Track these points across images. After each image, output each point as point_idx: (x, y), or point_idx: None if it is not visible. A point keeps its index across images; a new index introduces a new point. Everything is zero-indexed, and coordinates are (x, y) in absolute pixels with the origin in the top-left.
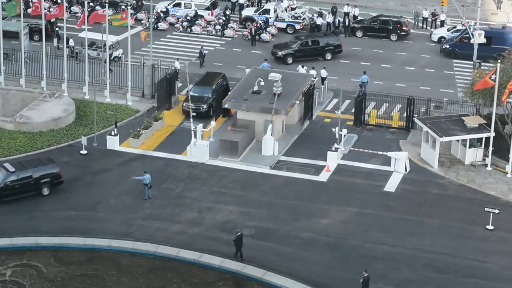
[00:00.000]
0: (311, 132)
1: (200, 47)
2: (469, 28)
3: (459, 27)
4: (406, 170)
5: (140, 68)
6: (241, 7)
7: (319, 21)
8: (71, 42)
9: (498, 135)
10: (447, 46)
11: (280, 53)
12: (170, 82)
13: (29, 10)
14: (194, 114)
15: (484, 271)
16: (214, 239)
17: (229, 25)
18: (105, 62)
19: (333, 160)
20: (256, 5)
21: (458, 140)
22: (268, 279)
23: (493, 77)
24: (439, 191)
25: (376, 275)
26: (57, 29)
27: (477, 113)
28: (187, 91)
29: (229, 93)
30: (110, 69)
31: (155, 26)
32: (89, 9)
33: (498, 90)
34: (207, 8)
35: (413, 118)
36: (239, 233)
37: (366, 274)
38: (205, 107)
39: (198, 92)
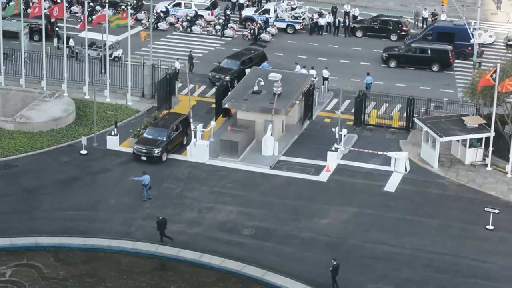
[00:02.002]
0: (311, 132)
1: (189, 50)
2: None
3: None
4: (406, 170)
5: (140, 68)
6: (241, 7)
7: (322, 21)
8: (71, 42)
9: (498, 135)
10: (410, 42)
11: (227, 78)
12: (170, 82)
13: (29, 10)
14: (145, 158)
15: (484, 271)
16: (214, 239)
17: (229, 25)
18: (104, 61)
19: (333, 160)
20: (256, 5)
21: (458, 140)
22: (268, 279)
23: (493, 76)
24: (439, 191)
25: (376, 275)
26: (57, 29)
27: (477, 113)
28: (188, 90)
29: (229, 93)
30: (101, 72)
31: (155, 26)
32: (89, 9)
33: (498, 89)
34: (207, 8)
35: (413, 118)
36: (161, 218)
37: (336, 262)
38: (157, 152)
39: (152, 134)
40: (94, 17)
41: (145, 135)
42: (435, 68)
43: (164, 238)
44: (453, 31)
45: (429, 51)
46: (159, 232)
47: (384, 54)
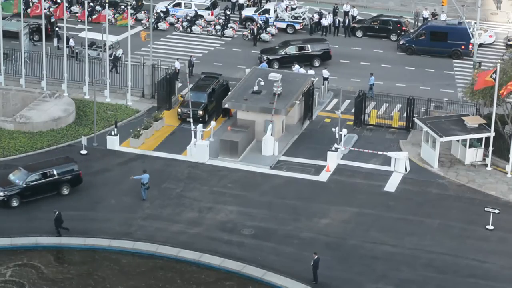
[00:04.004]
0: (311, 132)
1: (190, 56)
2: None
3: None
4: (406, 170)
5: (140, 68)
6: (241, 7)
7: (326, 22)
8: (71, 42)
9: (498, 135)
10: (404, 42)
11: (200, 112)
12: (170, 82)
13: (29, 10)
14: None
15: (484, 271)
16: (214, 239)
17: (229, 25)
18: (113, 62)
19: (333, 160)
20: (256, 5)
21: (458, 140)
22: (268, 279)
23: (493, 76)
24: (439, 191)
25: (376, 275)
26: (57, 29)
27: (477, 113)
28: (184, 95)
29: (229, 93)
30: (116, 71)
31: (155, 26)
32: (89, 9)
33: (498, 90)
34: (207, 8)
35: (413, 118)
36: (58, 213)
37: (316, 256)
38: (2, 195)
39: (15, 176)
40: (94, 16)
41: (9, 175)
42: (316, 63)
43: (61, 230)
44: (446, 30)
45: (309, 48)
46: (56, 226)
47: (264, 57)
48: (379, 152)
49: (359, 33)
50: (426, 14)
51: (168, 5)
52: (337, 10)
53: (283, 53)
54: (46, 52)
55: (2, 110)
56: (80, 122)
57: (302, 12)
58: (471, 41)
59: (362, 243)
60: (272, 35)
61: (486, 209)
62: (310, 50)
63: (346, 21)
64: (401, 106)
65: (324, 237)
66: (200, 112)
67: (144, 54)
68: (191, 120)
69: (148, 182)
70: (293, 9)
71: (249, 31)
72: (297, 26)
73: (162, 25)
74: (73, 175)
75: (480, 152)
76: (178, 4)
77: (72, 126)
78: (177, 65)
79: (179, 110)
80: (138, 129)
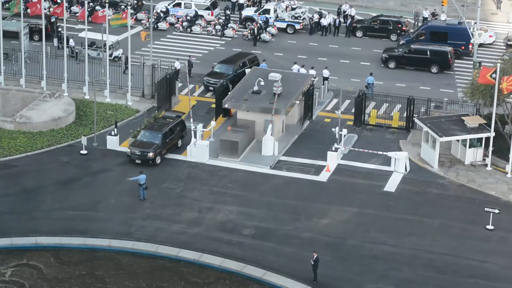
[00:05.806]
0: (311, 132)
1: (189, 56)
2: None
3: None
4: (406, 170)
5: (140, 68)
6: (241, 7)
7: (325, 22)
8: (71, 42)
9: (498, 135)
10: (404, 42)
11: (151, 154)
12: (170, 82)
13: (29, 10)
14: None
15: (484, 271)
16: (214, 239)
17: (229, 25)
18: (124, 64)
19: (333, 160)
20: (256, 5)
21: (458, 140)
22: (268, 279)
23: (493, 75)
24: (439, 191)
25: (376, 275)
26: (59, 29)
27: (477, 113)
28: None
29: (229, 93)
30: (125, 72)
31: (155, 26)
32: (89, 9)
33: (498, 90)
34: (207, 8)
35: (413, 118)
36: None
37: (316, 255)
38: None
39: None
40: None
41: None
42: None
43: None
44: (446, 30)
45: (247, 63)
46: None
47: (223, 81)
48: (379, 152)
49: (359, 33)
50: (426, 14)
51: (168, 5)
52: (343, 12)
53: (235, 73)
54: (46, 52)
55: (2, 110)
56: (80, 122)
57: (302, 12)
58: (471, 41)
59: (362, 243)
60: (272, 35)
61: (486, 209)
62: (248, 65)
63: (348, 21)
64: (401, 106)
65: (324, 237)
66: (150, 154)
67: (144, 54)
68: (139, 162)
69: (145, 182)
70: (293, 9)
71: (249, 31)
72: (297, 26)
73: (162, 25)
74: None
75: (480, 152)
76: (178, 4)
77: (72, 126)
78: (177, 65)
79: (128, 150)
80: (138, 129)
